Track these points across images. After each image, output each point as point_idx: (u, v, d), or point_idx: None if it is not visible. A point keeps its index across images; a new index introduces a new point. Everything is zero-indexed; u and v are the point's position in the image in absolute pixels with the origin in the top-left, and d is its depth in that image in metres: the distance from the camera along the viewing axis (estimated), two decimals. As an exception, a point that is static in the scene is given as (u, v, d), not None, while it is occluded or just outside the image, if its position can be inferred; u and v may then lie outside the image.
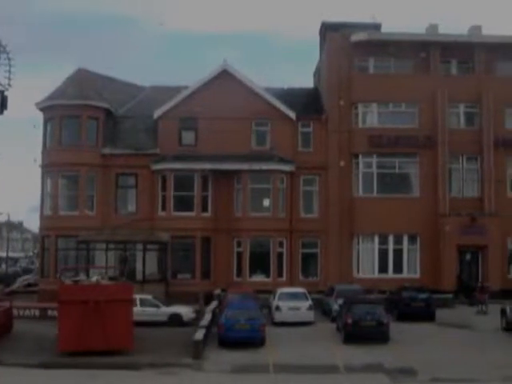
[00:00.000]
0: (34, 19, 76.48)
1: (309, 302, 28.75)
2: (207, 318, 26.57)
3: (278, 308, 28.50)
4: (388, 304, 30.31)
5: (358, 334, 24.80)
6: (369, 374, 21.40)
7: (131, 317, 24.40)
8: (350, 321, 24.88)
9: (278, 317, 28.43)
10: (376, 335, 24.80)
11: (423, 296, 29.69)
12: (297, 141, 36.66)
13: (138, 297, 30.04)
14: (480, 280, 34.39)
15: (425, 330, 27.82)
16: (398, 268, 35.69)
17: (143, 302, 29.62)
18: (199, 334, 24.17)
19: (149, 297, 30.26)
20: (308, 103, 38.02)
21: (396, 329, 28.04)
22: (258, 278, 35.25)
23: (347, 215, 36.01)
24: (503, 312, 27.91)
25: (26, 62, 71.64)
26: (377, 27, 39.55)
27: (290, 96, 38.25)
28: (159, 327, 28.34)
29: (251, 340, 24.19)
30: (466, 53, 37.16)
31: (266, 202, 36.13)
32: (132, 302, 24.74)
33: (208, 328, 25.41)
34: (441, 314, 30.88)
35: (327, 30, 38.99)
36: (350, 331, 24.88)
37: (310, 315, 28.43)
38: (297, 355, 23.54)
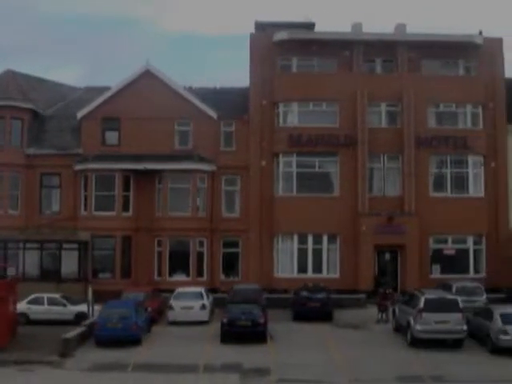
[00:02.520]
0: (35, 20, 78.18)
1: (203, 302, 28.81)
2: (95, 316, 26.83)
3: (171, 307, 28.65)
4: (290, 304, 30.42)
5: (234, 333, 24.89)
6: (223, 373, 21.52)
7: (8, 314, 24.79)
8: (225, 320, 24.99)
9: (171, 316, 28.58)
10: (252, 335, 24.82)
11: (320, 296, 29.57)
12: (219, 140, 36.74)
13: (45, 296, 30.77)
14: (399, 282, 34.26)
15: (315, 330, 27.76)
16: (317, 268, 35.54)
17: (50, 301, 30.12)
18: (72, 333, 24.51)
19: (56, 296, 30.63)
20: (237, 103, 37.95)
21: (287, 328, 28.26)
22: (178, 278, 35.37)
23: (268, 215, 35.95)
24: (394, 312, 27.77)
25: (26, 63, 73.16)
26: (310, 26, 39.41)
27: (220, 95, 38.41)
28: (64, 326, 28.72)
29: (124, 339, 24.38)
30: (390, 51, 36.83)
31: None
32: (7, 300, 25.02)
33: (91, 326, 25.72)
34: (345, 314, 30.93)
35: (260, 29, 39.05)
36: (225, 331, 24.97)
37: (203, 314, 28.49)
38: (167, 354, 23.71)
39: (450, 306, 24.13)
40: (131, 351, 24.02)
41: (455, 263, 35.85)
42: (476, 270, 36.12)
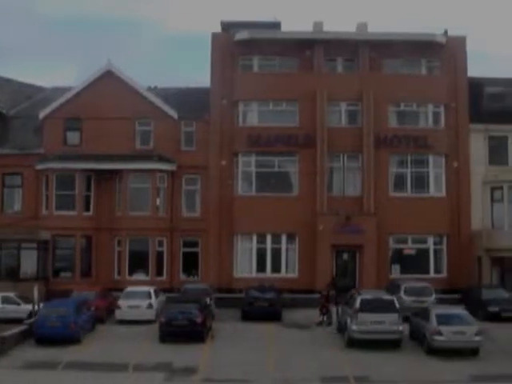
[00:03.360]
0: (36, 21, 78.58)
1: (149, 301, 28.87)
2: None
3: (118, 306, 28.72)
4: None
5: (172, 333, 24.97)
6: (151, 372, 21.61)
7: None
8: (163, 320, 25.06)
9: (118, 315, 28.68)
10: (190, 334, 24.87)
11: (268, 296, 29.55)
12: (180, 140, 36.77)
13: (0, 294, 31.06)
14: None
15: (260, 329, 27.74)
16: (276, 267, 35.47)
17: (5, 300, 30.30)
18: (10, 331, 24.63)
19: (11, 294, 30.81)
20: (200, 102, 37.88)
21: (233, 328, 28.32)
22: (138, 277, 35.39)
23: (227, 214, 35.90)
24: (337, 313, 27.71)
25: (26, 64, 73.55)
26: (276, 26, 39.36)
27: (184, 95, 38.47)
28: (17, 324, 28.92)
29: (62, 337, 24.49)
30: (351, 50, 36.66)
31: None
32: None
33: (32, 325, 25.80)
34: (296, 314, 30.88)
35: (226, 29, 39.04)
36: (163, 330, 25.06)
37: (149, 313, 28.53)
38: (103, 353, 23.85)
39: (386, 307, 24.07)
40: (68, 350, 24.13)
41: (415, 263, 35.66)
42: (437, 271, 35.94)
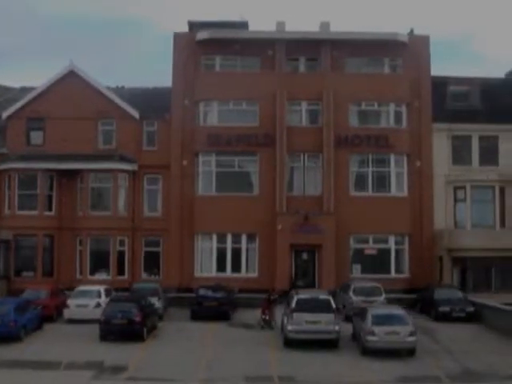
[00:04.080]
0: (36, 22, 78.98)
1: (98, 300, 28.91)
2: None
3: (67, 305, 28.81)
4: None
5: (111, 331, 25.05)
6: (81, 371, 21.59)
7: None
8: (102, 319, 25.12)
9: (67, 314, 28.77)
10: (128, 333, 24.92)
11: (217, 295, 29.54)
12: (142, 140, 36.89)
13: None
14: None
15: (206, 329, 27.73)
16: (236, 267, 35.49)
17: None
18: None
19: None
20: (165, 102, 37.85)
21: (179, 327, 28.34)
22: (100, 276, 35.51)
23: (189, 214, 35.95)
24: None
25: (26, 65, 74.01)
26: (243, 25, 39.33)
27: (149, 95, 38.58)
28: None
29: (1, 336, 24.54)
30: (313, 50, 36.62)
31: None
32: None
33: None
34: (247, 314, 30.76)
35: (192, 28, 39.06)
36: (103, 329, 25.10)
37: (97, 313, 28.33)
38: (41, 352, 23.85)
39: (321, 307, 23.99)
40: (7, 348, 24.06)
41: (376, 263, 35.61)
42: (398, 270, 35.84)
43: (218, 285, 31.07)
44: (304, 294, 24.84)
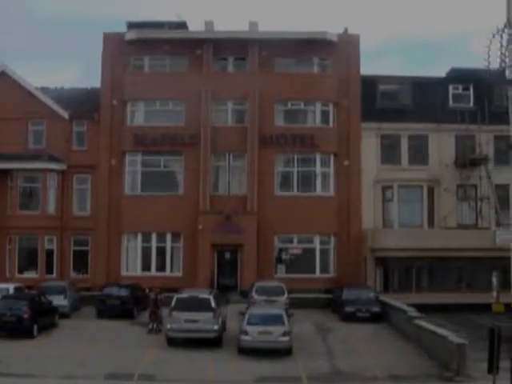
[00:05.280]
0: (36, 22, 79.90)
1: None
2: None
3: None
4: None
5: (1, 328, 25.30)
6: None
7: None
8: (-9, 316, 25.46)
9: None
10: (17, 330, 25.20)
11: (121, 294, 29.71)
12: (71, 140, 37.18)
13: None
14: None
15: (106, 327, 27.91)
16: (161, 266, 35.70)
17: None
18: None
19: None
20: (94, 102, 37.98)
21: (81, 325, 28.48)
22: (28, 275, 35.87)
23: (116, 213, 36.22)
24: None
25: (26, 64, 75.00)
26: (181, 25, 39.44)
27: (84, 96, 38.80)
28: None
29: None
30: (242, 50, 36.67)
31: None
32: None
33: None
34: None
35: (131, 29, 39.28)
36: (-8, 326, 25.47)
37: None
38: None
39: (200, 305, 24.03)
40: None
41: (301, 263, 35.61)
42: (324, 270, 35.79)
43: (133, 284, 31.25)
44: (184, 294, 24.92)
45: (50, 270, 36.35)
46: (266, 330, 22.84)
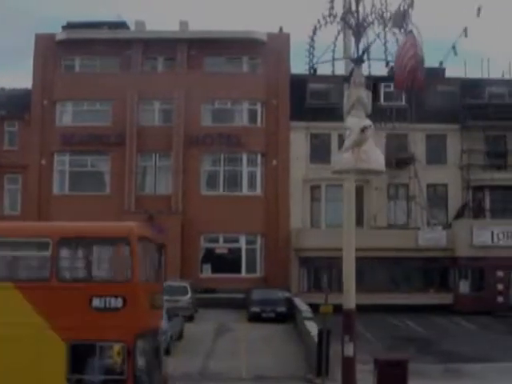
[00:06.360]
0: (35, 22, 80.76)
1: None
2: None
3: None
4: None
5: None
6: None
7: None
8: None
9: None
10: None
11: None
12: (3, 140, 37.46)
13: None
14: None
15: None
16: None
17: None
18: None
19: None
20: (26, 102, 38.16)
21: None
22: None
23: (46, 213, 36.35)
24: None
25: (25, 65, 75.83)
26: (122, 25, 39.57)
27: (19, 97, 38.95)
28: None
29: None
30: (171, 49, 36.69)
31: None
32: None
33: None
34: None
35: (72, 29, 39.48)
36: None
37: None
38: None
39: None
40: None
41: (227, 263, 35.47)
42: (251, 270, 35.65)
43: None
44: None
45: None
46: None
